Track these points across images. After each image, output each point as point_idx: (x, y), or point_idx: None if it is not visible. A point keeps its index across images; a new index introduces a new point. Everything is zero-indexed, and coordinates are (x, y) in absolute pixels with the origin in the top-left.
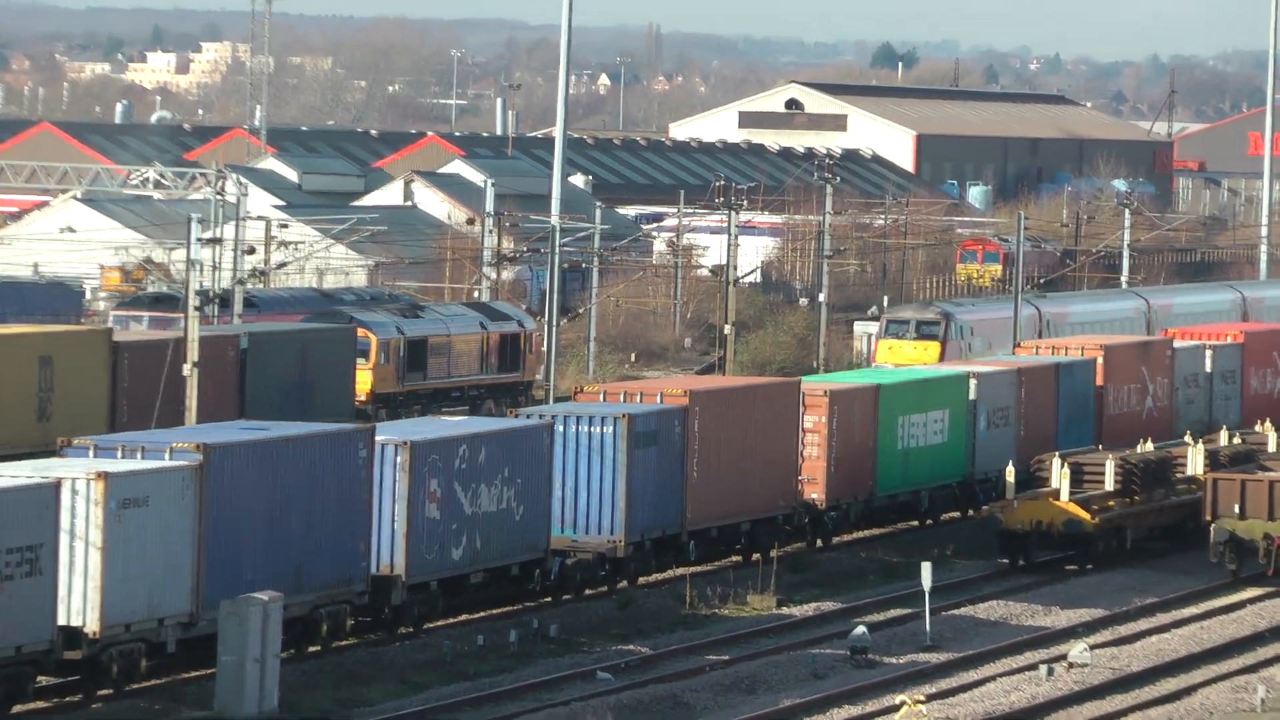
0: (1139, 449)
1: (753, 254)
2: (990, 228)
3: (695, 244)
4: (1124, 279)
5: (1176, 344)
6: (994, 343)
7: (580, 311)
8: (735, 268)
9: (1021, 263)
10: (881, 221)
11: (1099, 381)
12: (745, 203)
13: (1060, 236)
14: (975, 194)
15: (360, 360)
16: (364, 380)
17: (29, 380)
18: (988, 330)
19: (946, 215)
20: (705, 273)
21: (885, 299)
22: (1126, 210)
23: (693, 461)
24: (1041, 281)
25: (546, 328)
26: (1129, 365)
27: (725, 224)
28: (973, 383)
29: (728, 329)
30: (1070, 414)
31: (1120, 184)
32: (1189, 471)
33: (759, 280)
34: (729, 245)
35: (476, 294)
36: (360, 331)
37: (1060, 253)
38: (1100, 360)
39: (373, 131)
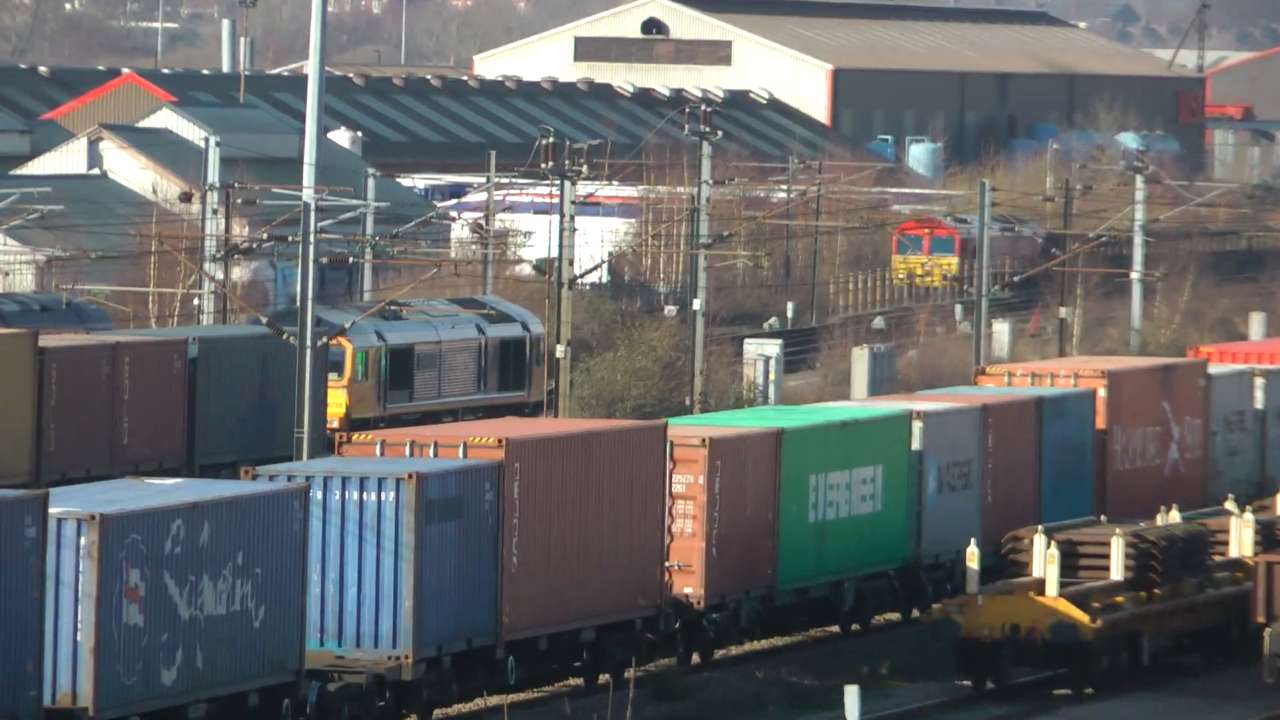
0: (1159, 520)
1: (597, 242)
2: (941, 203)
3: (513, 228)
4: (1135, 274)
5: (1213, 369)
6: None
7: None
8: (572, 263)
9: (986, 252)
10: (783, 195)
11: (1100, 423)
12: (585, 169)
13: (1043, 215)
14: (919, 155)
15: (332, 375)
16: (336, 401)
17: None
18: None
19: (877, 186)
20: (528, 270)
21: (790, 306)
22: (1139, 177)
23: (511, 542)
24: (1015, 280)
25: (299, 348)
26: (1144, 399)
27: (556, 200)
28: (917, 426)
29: (560, 351)
30: (1059, 470)
31: (1130, 139)
32: (1233, 553)
33: (606, 280)
34: (561, 230)
35: (196, 301)
36: (333, 339)
37: (1043, 239)
38: (1102, 392)
39: (42, 68)
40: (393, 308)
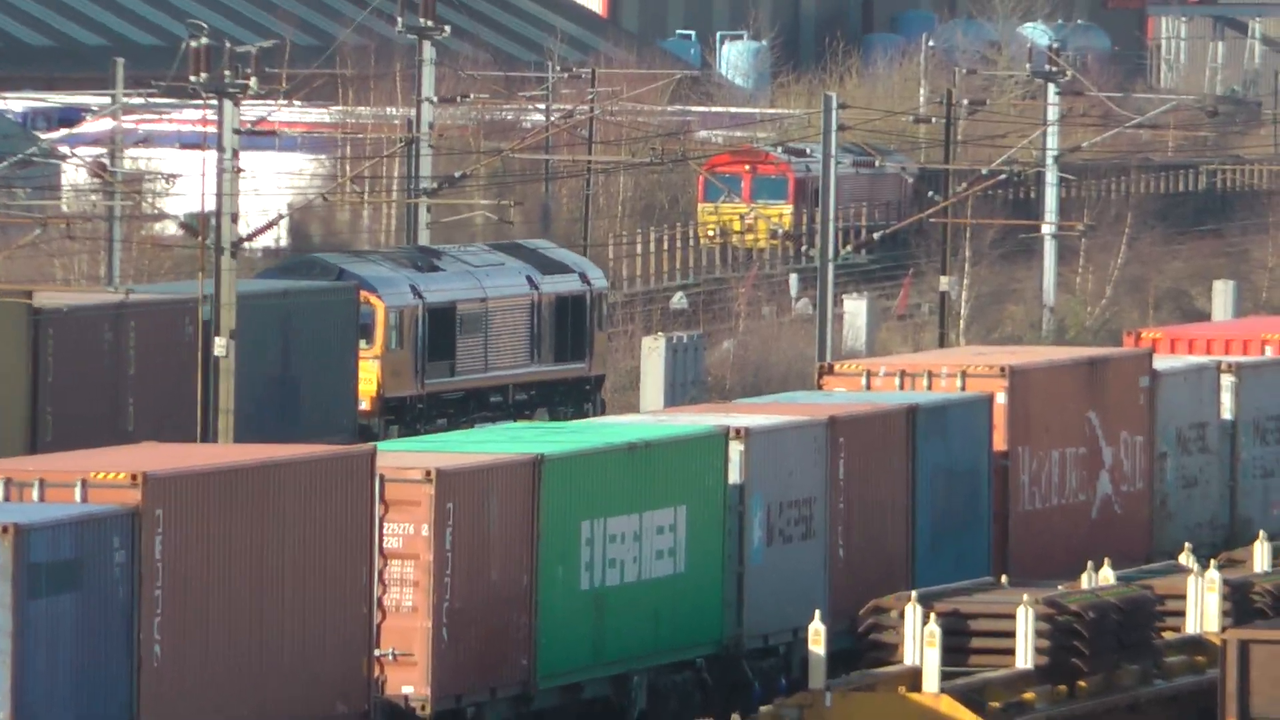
0: (1085, 582)
1: (272, 189)
2: (768, 126)
3: (151, 169)
4: (1048, 227)
5: (1160, 362)
6: None
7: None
8: (236, 219)
9: (834, 198)
10: (540, 118)
11: (1000, 443)
12: (254, 82)
13: (914, 143)
14: (735, 57)
15: (360, 343)
16: (367, 377)
17: None
18: None
19: (676, 103)
20: (173, 229)
21: None
22: (1051, 87)
23: (152, 623)
24: (875, 237)
25: None
26: (1062, 407)
27: (212, 128)
28: (735, 449)
29: (220, 346)
30: (942, 511)
31: (1038, 32)
32: (1190, 627)
33: (285, 243)
34: (220, 172)
35: None
36: (360, 295)
37: (915, 177)
38: (1001, 397)
39: None
40: (426, 254)
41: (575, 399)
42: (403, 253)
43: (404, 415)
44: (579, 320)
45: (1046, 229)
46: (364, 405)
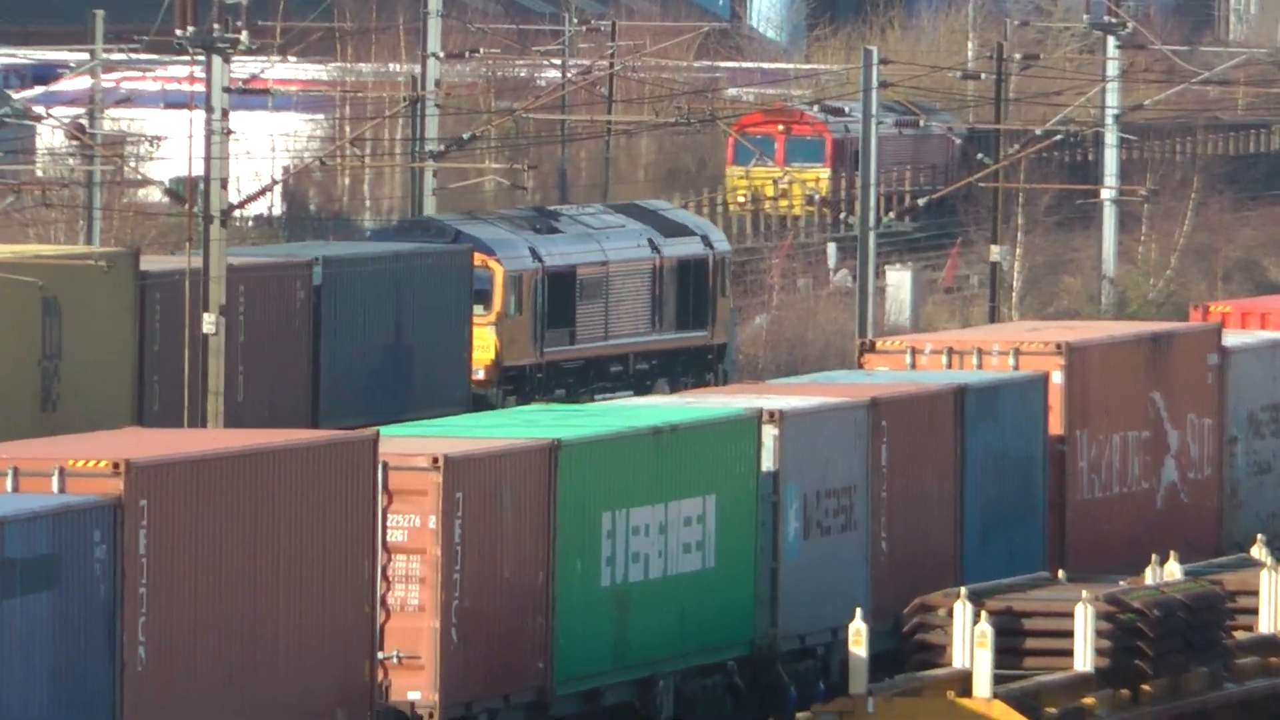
0: (1150, 577)
1: (265, 151)
2: (803, 84)
3: (135, 132)
4: (1108, 192)
5: (1230, 338)
6: None
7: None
8: (226, 184)
9: (875, 161)
10: (556, 74)
11: (1056, 426)
12: (245, 37)
13: (962, 102)
14: (768, 9)
15: (477, 309)
16: (484, 344)
17: (28, 339)
18: None
19: (703, 59)
20: (158, 196)
21: None
22: (1111, 40)
23: (137, 623)
24: (920, 203)
25: None
26: (1124, 387)
27: (200, 86)
28: (769, 432)
29: (209, 322)
30: (993, 500)
31: None
32: (1263, 626)
33: (281, 211)
34: (209, 134)
35: None
36: (476, 258)
37: (963, 139)
38: (1057, 376)
39: None
40: (543, 215)
41: (697, 369)
42: (521, 214)
43: (522, 385)
44: (701, 286)
45: (1106, 194)
46: (480, 374)
